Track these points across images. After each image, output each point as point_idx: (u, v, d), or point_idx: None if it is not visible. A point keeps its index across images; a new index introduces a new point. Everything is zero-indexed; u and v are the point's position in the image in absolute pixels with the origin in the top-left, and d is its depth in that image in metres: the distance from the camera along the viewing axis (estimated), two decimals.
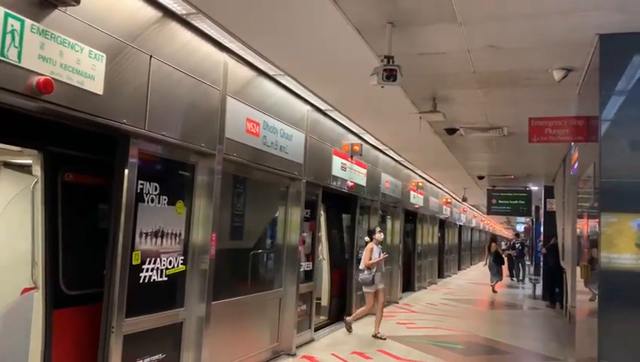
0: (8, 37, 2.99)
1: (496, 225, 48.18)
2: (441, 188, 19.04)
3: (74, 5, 3.34)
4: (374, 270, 8.47)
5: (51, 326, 3.93)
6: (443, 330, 9.40)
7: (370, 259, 8.44)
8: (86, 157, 4.34)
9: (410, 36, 4.85)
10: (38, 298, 3.96)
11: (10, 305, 4.48)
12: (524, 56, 5.26)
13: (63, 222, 4.13)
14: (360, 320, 9.92)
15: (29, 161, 4.33)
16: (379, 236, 8.76)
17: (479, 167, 13.76)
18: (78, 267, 4.21)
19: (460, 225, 25.47)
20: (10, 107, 3.29)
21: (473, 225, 31.78)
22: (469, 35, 4.75)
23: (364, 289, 8.64)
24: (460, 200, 21.94)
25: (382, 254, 8.68)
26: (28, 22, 3.12)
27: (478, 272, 24.71)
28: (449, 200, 20.56)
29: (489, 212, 17.72)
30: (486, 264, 17.86)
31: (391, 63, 4.60)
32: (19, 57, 3.07)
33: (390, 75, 4.54)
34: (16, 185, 5.20)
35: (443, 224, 20.60)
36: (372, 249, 8.54)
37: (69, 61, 3.42)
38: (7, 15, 2.98)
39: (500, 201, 17.01)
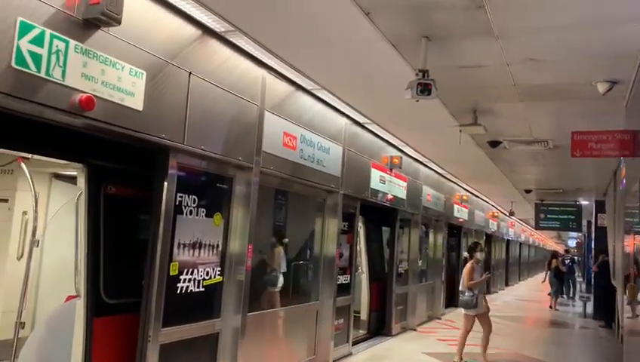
0: (53, 57, 3.16)
1: (546, 240, 46.65)
2: (487, 202, 18.64)
3: (115, 25, 3.49)
4: (477, 291, 7.75)
5: (92, 333, 4.06)
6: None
7: (472, 280, 7.72)
8: (128, 170, 4.49)
9: (447, 49, 4.82)
10: (80, 306, 4.11)
11: (55, 312, 4.69)
12: (565, 69, 5.13)
13: (105, 232, 4.28)
14: (401, 334, 9.82)
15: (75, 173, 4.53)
16: (480, 255, 8.06)
17: (526, 180, 13.41)
18: (118, 276, 4.34)
19: (508, 240, 24.80)
20: (55, 123, 3.46)
21: (522, 239, 30.89)
22: (507, 49, 4.68)
23: (464, 312, 7.97)
24: (508, 214, 21.40)
25: (484, 274, 8.05)
26: (72, 42, 3.28)
27: (526, 289, 24.00)
28: (496, 214, 20.09)
29: (537, 227, 17.20)
30: (545, 280, 17.38)
31: (426, 77, 4.57)
32: (63, 76, 3.23)
33: (425, 89, 4.51)
34: (65, 196, 5.45)
35: (490, 238, 20.13)
36: (473, 268, 7.80)
37: (111, 79, 3.58)
38: (52, 36, 3.15)
39: (548, 216, 16.50)
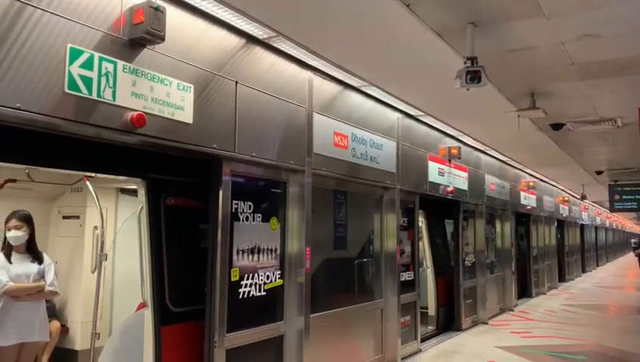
0: (103, 79, 3.30)
1: (625, 222, 44.21)
2: (555, 187, 17.87)
3: (160, 43, 3.60)
4: None
5: (160, 341, 4.21)
6: (563, 340, 8.77)
7: None
8: (185, 181, 4.63)
9: (496, 34, 4.65)
10: (147, 315, 4.27)
11: (127, 321, 4.90)
12: (626, 43, 4.82)
13: (167, 243, 4.42)
14: (472, 329, 9.59)
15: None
16: None
17: (596, 161, 12.74)
18: (182, 285, 4.48)
19: (582, 224, 23.68)
20: (110, 142, 3.60)
21: (597, 223, 29.40)
22: (560, 27, 4.45)
23: None
24: (579, 198, 20.43)
25: None
26: (120, 63, 3.42)
27: (605, 274, 22.84)
28: (566, 199, 19.22)
29: (612, 209, 16.32)
30: None
31: (474, 64, 4.43)
32: (113, 96, 3.36)
33: (474, 77, 4.38)
34: (131, 209, 5.69)
35: (562, 224, 19.29)
36: None
37: (159, 95, 3.69)
38: (101, 59, 3.29)
39: (624, 197, 15.60)
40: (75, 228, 6.47)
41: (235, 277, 4.50)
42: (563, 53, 5.08)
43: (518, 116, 7.00)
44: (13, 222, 4.47)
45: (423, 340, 8.00)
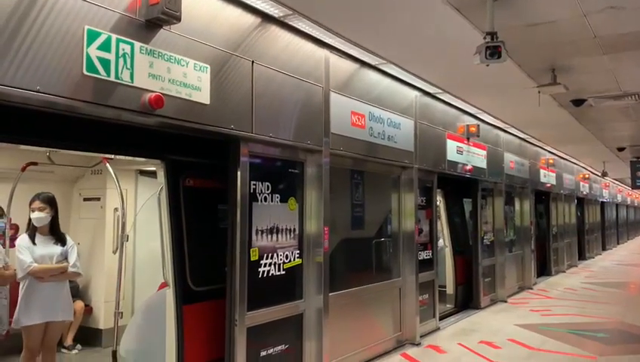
0: (121, 60, 3.30)
1: None
2: (576, 164, 17.61)
3: (176, 23, 3.58)
4: None
5: (182, 320, 4.28)
6: (583, 317, 8.72)
7: None
8: (203, 163, 4.65)
9: (515, 8, 4.54)
10: (169, 294, 4.34)
11: (149, 300, 4.98)
12: None
13: (187, 223, 4.47)
14: (490, 307, 9.58)
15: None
16: None
17: (618, 137, 12.50)
18: (202, 265, 4.54)
19: (603, 202, 23.36)
20: (129, 123, 3.62)
21: (619, 200, 28.99)
22: None
23: None
24: (601, 176, 20.12)
25: None
26: (137, 44, 3.41)
27: (627, 252, 22.59)
28: (587, 176, 18.94)
29: (634, 186, 16.06)
30: None
31: (494, 40, 4.34)
32: (131, 78, 3.37)
33: (494, 52, 4.29)
34: (150, 191, 5.75)
35: (582, 202, 19.06)
36: None
37: (177, 76, 3.69)
38: (118, 40, 3.29)
39: None
40: (96, 209, 6.58)
41: (254, 257, 4.53)
42: (585, 26, 4.96)
43: (539, 92, 6.88)
44: (37, 204, 4.54)
45: (441, 318, 8.02)
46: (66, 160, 6.05)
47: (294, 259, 5.02)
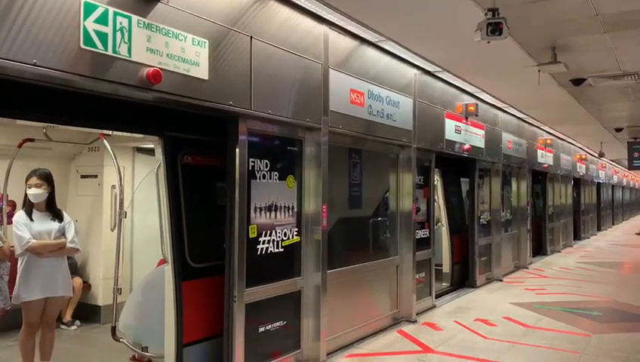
0: (118, 34, 3.25)
1: None
2: (573, 145, 17.62)
3: None
4: None
5: (181, 296, 4.29)
6: (578, 296, 8.81)
7: None
8: (202, 140, 4.61)
9: None
10: (168, 271, 4.34)
11: (148, 277, 5.00)
12: None
13: (185, 200, 4.44)
14: (486, 286, 9.67)
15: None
16: None
17: (615, 118, 12.50)
18: (201, 242, 4.53)
19: (599, 183, 23.45)
20: (126, 98, 3.59)
21: (615, 182, 29.10)
22: None
23: None
24: (597, 156, 20.16)
25: None
26: (134, 18, 3.36)
27: (621, 233, 22.75)
28: (584, 157, 18.98)
29: (630, 167, 16.13)
30: None
31: (496, 16, 4.30)
32: (129, 52, 3.33)
33: (495, 29, 4.26)
34: (147, 168, 5.73)
35: (578, 182, 19.13)
36: None
37: (175, 50, 3.64)
38: (115, 14, 3.24)
39: None
40: (94, 186, 6.56)
41: (253, 234, 4.54)
42: (587, 3, 4.91)
43: (539, 71, 6.84)
44: (34, 180, 4.52)
45: (437, 296, 8.09)
46: (63, 136, 6.01)
47: (293, 237, 5.03)
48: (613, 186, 29.02)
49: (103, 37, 3.16)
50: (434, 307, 7.73)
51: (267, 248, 4.72)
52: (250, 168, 4.51)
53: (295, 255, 5.10)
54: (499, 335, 6.35)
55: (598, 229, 23.17)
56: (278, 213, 4.87)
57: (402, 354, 5.57)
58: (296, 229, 5.08)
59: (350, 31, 5.67)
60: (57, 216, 4.65)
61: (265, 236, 4.69)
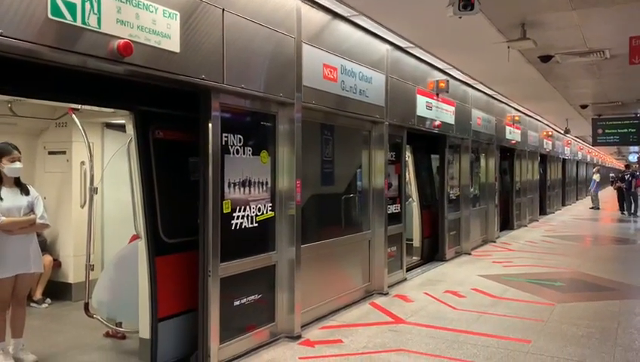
0: (87, 4, 3.17)
1: (606, 157, 44.99)
2: (540, 121, 17.99)
3: None
4: None
5: (155, 271, 4.29)
6: (542, 268, 9.11)
7: None
8: (174, 114, 4.57)
9: None
10: (141, 246, 4.33)
11: (121, 252, 4.97)
12: None
13: (158, 176, 4.42)
14: (455, 259, 9.90)
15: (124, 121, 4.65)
16: None
17: (581, 95, 12.79)
18: (175, 217, 4.53)
19: (564, 159, 24.06)
20: (96, 71, 3.52)
21: (579, 158, 29.89)
22: None
23: None
24: (563, 133, 20.64)
25: None
26: None
27: (584, 208, 23.45)
28: (550, 134, 19.41)
29: (594, 143, 16.57)
30: None
31: None
32: (99, 23, 3.25)
33: (467, 4, 4.31)
34: (117, 144, 5.64)
35: (544, 159, 19.59)
36: None
37: (145, 22, 3.58)
38: None
39: (606, 131, 15.83)
40: (62, 163, 6.43)
41: (227, 209, 4.54)
42: None
43: (508, 47, 6.95)
44: (17, 154, 4.42)
45: (408, 270, 8.25)
46: (29, 111, 5.86)
47: (267, 212, 5.06)
48: (577, 162, 29.79)
49: (71, 7, 3.08)
50: (405, 280, 7.90)
51: (241, 223, 4.73)
52: (223, 143, 4.49)
53: (269, 230, 5.13)
54: (467, 305, 6.54)
55: (563, 204, 23.84)
56: (252, 189, 4.87)
57: (374, 325, 5.70)
58: (271, 204, 5.10)
59: (322, 4, 5.63)
60: (24, 190, 4.56)
61: (239, 211, 4.70)
